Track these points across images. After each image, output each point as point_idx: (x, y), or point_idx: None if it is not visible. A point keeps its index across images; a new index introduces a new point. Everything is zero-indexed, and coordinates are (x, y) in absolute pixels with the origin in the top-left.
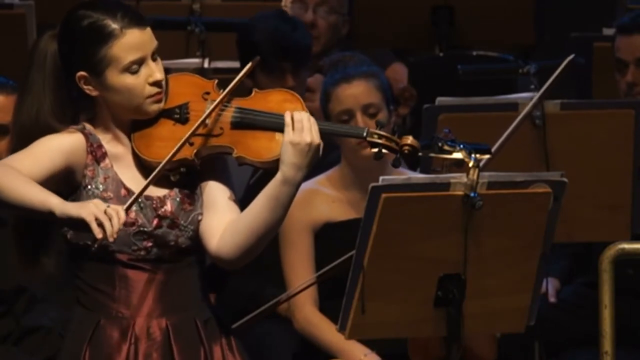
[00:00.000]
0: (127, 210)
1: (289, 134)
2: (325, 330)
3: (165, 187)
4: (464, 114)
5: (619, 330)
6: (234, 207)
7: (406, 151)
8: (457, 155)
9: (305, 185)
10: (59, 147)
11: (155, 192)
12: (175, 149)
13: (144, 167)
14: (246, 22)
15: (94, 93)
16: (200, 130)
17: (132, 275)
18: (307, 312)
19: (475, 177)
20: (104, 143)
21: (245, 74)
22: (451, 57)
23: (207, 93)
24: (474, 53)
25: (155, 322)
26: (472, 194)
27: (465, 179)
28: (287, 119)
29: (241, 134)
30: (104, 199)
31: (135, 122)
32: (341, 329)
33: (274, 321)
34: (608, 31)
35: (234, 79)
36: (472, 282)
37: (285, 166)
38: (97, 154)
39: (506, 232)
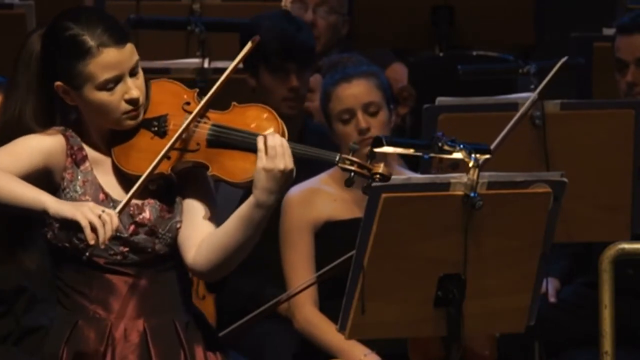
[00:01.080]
0: (119, 214)
1: (262, 160)
2: (325, 330)
3: (145, 195)
4: (464, 114)
5: (619, 330)
6: (212, 219)
7: (377, 179)
8: (457, 155)
9: (307, 184)
10: (38, 147)
11: (135, 198)
12: (152, 165)
13: (122, 177)
14: (250, 23)
15: (73, 103)
16: (178, 145)
17: (109, 278)
18: (307, 311)
19: (475, 177)
20: (85, 146)
21: (244, 56)
22: (451, 57)
23: (188, 103)
24: (474, 53)
25: (132, 324)
26: (472, 194)
27: (465, 179)
28: (260, 144)
29: (217, 152)
30: (83, 202)
31: (114, 131)
32: (341, 329)
33: (274, 321)
34: (608, 31)
35: (234, 79)
36: (472, 282)
37: (258, 191)
38: (77, 156)
39: (506, 232)
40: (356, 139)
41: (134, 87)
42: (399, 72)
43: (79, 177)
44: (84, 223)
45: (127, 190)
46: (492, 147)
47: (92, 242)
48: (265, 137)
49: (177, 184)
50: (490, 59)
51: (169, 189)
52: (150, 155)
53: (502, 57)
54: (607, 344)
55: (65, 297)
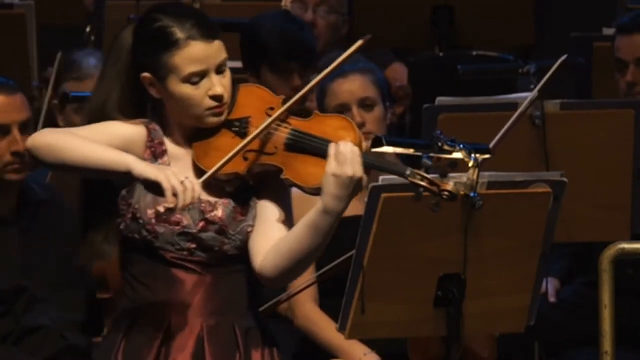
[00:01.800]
0: (203, 184)
1: (331, 166)
2: (326, 329)
3: (220, 194)
4: (464, 114)
5: (619, 330)
6: (285, 226)
7: (445, 196)
8: (457, 155)
9: None
10: (118, 132)
11: (208, 196)
12: (239, 147)
13: (201, 173)
14: (252, 23)
15: (158, 96)
16: (256, 147)
17: (175, 273)
18: (307, 309)
19: (475, 177)
20: (166, 142)
21: (351, 53)
22: (451, 57)
23: (272, 109)
24: (474, 53)
25: (192, 321)
26: (472, 194)
27: (465, 179)
28: (331, 150)
29: (293, 156)
30: (154, 196)
31: (197, 129)
32: (341, 329)
33: (274, 321)
34: (608, 31)
35: (234, 79)
36: (472, 282)
37: (326, 197)
38: (156, 150)
39: (506, 232)
40: None
41: (219, 84)
42: (398, 72)
43: None
44: (167, 185)
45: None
46: (492, 145)
47: (172, 205)
48: (337, 144)
49: (255, 188)
50: (490, 59)
51: (245, 192)
52: (227, 155)
53: (502, 57)
54: (607, 344)
55: (131, 289)
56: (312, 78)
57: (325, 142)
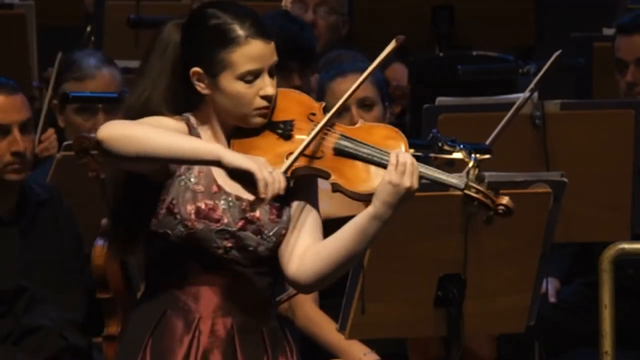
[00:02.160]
0: (285, 173)
1: (390, 174)
2: (326, 329)
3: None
4: (464, 114)
5: (619, 330)
6: (317, 232)
7: (500, 211)
8: (457, 155)
9: None
10: (167, 127)
11: (249, 195)
12: (298, 150)
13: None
14: None
15: (205, 91)
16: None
17: (205, 271)
18: (307, 309)
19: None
20: (203, 139)
21: (386, 56)
22: (451, 57)
23: (313, 114)
24: (474, 53)
25: (220, 320)
26: None
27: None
28: (393, 159)
29: (341, 161)
30: (195, 192)
31: (237, 129)
32: (341, 329)
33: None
34: (608, 31)
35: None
36: (472, 282)
37: (379, 203)
38: None
39: (506, 232)
40: None
41: (270, 85)
42: (398, 72)
43: (195, 167)
44: (259, 176)
45: (237, 186)
46: (488, 142)
47: (262, 195)
48: (397, 153)
49: (289, 192)
50: (490, 59)
51: (282, 197)
52: (269, 156)
53: (502, 57)
54: (607, 344)
55: (157, 286)
56: (312, 78)
57: (377, 150)
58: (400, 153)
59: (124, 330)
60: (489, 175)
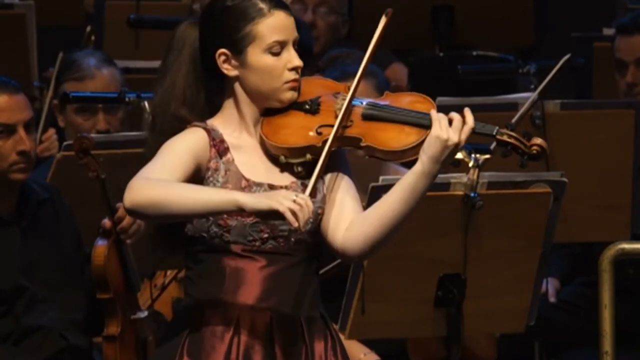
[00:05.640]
0: (310, 195)
1: (438, 129)
2: None
3: (289, 177)
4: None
5: (619, 330)
6: (357, 202)
7: (534, 151)
8: (458, 155)
9: None
10: (186, 148)
11: (279, 181)
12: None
13: (266, 156)
14: None
15: (232, 73)
16: (331, 121)
17: (243, 266)
18: None
19: (475, 177)
20: (226, 136)
21: (381, 33)
22: (451, 57)
23: (338, 93)
24: (474, 53)
25: (260, 314)
26: (472, 194)
27: (465, 179)
28: (438, 115)
29: (371, 125)
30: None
31: (265, 113)
32: (341, 329)
33: None
34: (608, 31)
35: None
36: (472, 282)
37: (427, 158)
38: (219, 148)
39: (506, 232)
40: None
41: (297, 57)
42: (398, 72)
43: (222, 167)
44: (283, 209)
45: (268, 174)
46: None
47: (295, 225)
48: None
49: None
50: (490, 59)
51: (312, 173)
52: (300, 132)
53: (502, 57)
54: (607, 344)
55: (195, 286)
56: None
57: (410, 111)
58: (451, 113)
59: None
60: (489, 175)
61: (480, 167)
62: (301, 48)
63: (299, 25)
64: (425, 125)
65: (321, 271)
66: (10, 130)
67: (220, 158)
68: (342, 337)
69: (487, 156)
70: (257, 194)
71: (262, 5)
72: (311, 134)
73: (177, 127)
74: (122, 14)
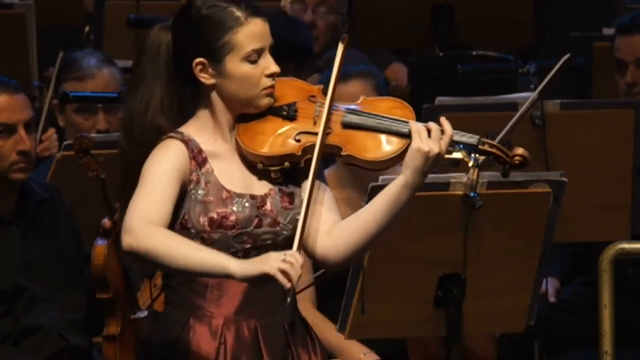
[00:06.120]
0: (298, 250)
1: (419, 142)
2: (324, 330)
3: (267, 184)
4: (464, 114)
5: (619, 330)
6: (336, 209)
7: (517, 162)
8: (457, 155)
9: None
10: (171, 171)
11: (259, 190)
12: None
13: (244, 163)
14: None
15: (210, 82)
16: (310, 128)
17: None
18: (305, 311)
19: (475, 177)
20: (202, 145)
21: (342, 59)
22: (451, 57)
23: (313, 97)
24: (474, 53)
25: (245, 323)
26: (472, 194)
27: (465, 179)
28: (417, 126)
29: (351, 133)
30: (205, 203)
31: (241, 119)
32: (341, 329)
33: None
34: (608, 31)
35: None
36: (472, 282)
37: (410, 171)
38: (198, 159)
39: (506, 232)
40: None
41: (274, 63)
42: (398, 72)
43: (202, 179)
44: (274, 272)
45: (247, 183)
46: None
47: (288, 285)
48: (414, 122)
49: (298, 175)
50: (490, 59)
51: (288, 180)
52: (278, 138)
53: (502, 57)
54: (607, 344)
55: (178, 296)
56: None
57: (389, 118)
58: (429, 122)
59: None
60: (489, 176)
61: (480, 167)
62: (301, 48)
63: (299, 25)
64: (405, 134)
65: (315, 275)
66: (11, 130)
67: (200, 169)
68: (342, 337)
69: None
70: (245, 261)
71: (239, 13)
72: (290, 142)
73: (155, 137)
74: (122, 14)
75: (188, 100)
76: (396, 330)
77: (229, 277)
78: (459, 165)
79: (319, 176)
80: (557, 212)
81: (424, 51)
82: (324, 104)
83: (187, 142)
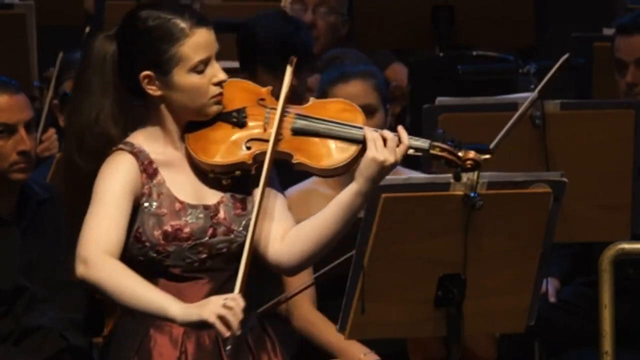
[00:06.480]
0: (240, 293)
1: (374, 151)
2: (324, 330)
3: (218, 192)
4: (464, 114)
5: (619, 330)
6: (288, 214)
7: (468, 166)
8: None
9: (302, 185)
10: (122, 187)
11: (211, 199)
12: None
13: (195, 171)
14: (248, 23)
15: (157, 93)
16: (260, 135)
17: (184, 285)
18: (305, 311)
19: (475, 177)
20: (153, 154)
21: (291, 78)
22: (451, 57)
23: (262, 99)
24: (474, 53)
25: (205, 331)
26: (472, 194)
27: (465, 179)
28: (373, 134)
29: (302, 140)
30: (159, 216)
31: (190, 126)
32: (341, 329)
33: (274, 321)
34: (608, 31)
35: (235, 78)
36: (472, 282)
37: (363, 179)
38: (149, 171)
39: (506, 232)
40: None
41: (221, 71)
42: (398, 72)
43: (154, 191)
44: (213, 319)
45: (199, 192)
46: (492, 146)
47: (227, 334)
48: (377, 130)
49: (250, 181)
50: (490, 59)
51: (240, 185)
52: (229, 146)
53: (502, 57)
54: (607, 344)
55: None
56: (312, 78)
57: (340, 124)
58: (384, 131)
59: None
60: (489, 175)
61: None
62: (300, 48)
63: (299, 25)
64: (357, 140)
65: (315, 275)
66: (11, 130)
67: (152, 181)
68: (342, 337)
69: (487, 156)
70: (187, 305)
71: (183, 25)
72: (241, 150)
73: (106, 147)
74: (122, 14)
75: (139, 108)
76: (396, 330)
77: (170, 321)
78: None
79: (272, 181)
80: (557, 212)
81: (424, 51)
82: (273, 108)
83: (137, 154)
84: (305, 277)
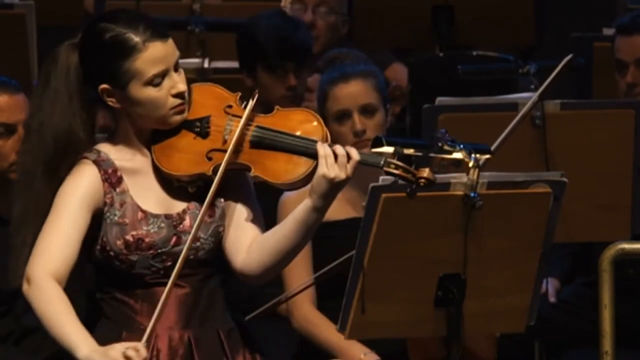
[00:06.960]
0: (147, 341)
1: (325, 168)
2: (324, 330)
3: (184, 200)
4: (464, 114)
5: (619, 330)
6: (257, 222)
7: (422, 184)
8: (457, 155)
9: None
10: (81, 198)
11: (175, 208)
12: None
13: (161, 179)
14: (248, 23)
15: (117, 106)
16: (220, 146)
17: (154, 290)
18: (305, 311)
19: (475, 177)
20: (119, 162)
21: (253, 106)
22: (451, 57)
23: (230, 106)
24: (474, 53)
25: (177, 334)
26: (472, 194)
27: (465, 179)
28: (324, 150)
29: (260, 153)
30: (121, 225)
31: (155, 133)
32: (341, 329)
33: (274, 321)
34: (608, 31)
35: (234, 79)
36: (472, 282)
37: (317, 196)
38: (112, 180)
39: (506, 232)
40: (351, 140)
41: (180, 82)
42: (398, 72)
43: (117, 200)
44: None
45: (164, 201)
46: (493, 147)
47: None
48: (330, 146)
49: (221, 188)
50: (490, 59)
51: (207, 192)
52: (192, 156)
53: (502, 57)
54: (607, 344)
55: (110, 308)
56: (312, 78)
57: (304, 140)
58: (336, 146)
59: None
60: (489, 175)
61: (480, 167)
62: (299, 47)
63: (299, 25)
64: (312, 154)
65: (315, 275)
66: (11, 130)
67: (115, 189)
68: (342, 337)
69: (487, 156)
70: (95, 349)
71: (136, 39)
72: (202, 160)
73: (77, 152)
74: None
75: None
76: (396, 330)
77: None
78: (460, 166)
79: (245, 185)
80: (557, 212)
81: (424, 51)
82: (235, 116)
83: (100, 163)
84: (305, 277)
